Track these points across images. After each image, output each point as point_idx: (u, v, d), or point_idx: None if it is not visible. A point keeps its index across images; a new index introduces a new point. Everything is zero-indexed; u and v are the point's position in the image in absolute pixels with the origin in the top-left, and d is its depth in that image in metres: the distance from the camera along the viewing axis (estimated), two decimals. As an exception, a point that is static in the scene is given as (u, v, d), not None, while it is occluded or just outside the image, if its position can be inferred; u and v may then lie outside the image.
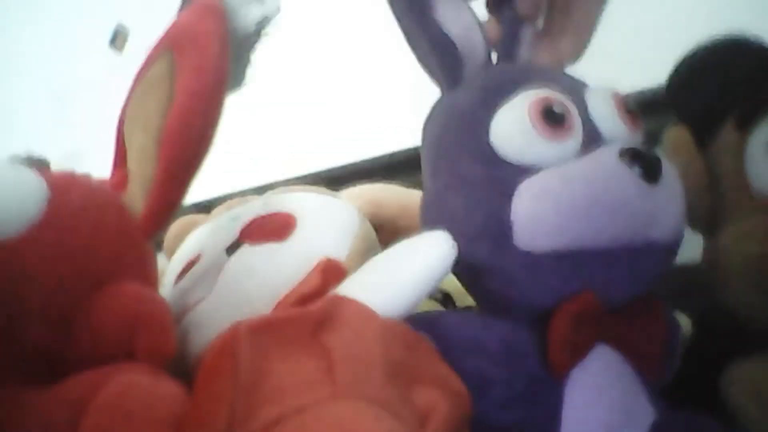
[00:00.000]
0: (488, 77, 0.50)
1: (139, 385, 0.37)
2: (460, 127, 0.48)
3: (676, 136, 0.52)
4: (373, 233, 0.56)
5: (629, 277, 0.45)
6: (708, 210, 0.50)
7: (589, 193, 0.43)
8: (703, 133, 0.51)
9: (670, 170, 0.44)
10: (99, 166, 0.51)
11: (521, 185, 0.44)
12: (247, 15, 1.22)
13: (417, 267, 0.43)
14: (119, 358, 0.40)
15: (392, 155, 0.94)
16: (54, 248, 0.40)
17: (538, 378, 0.44)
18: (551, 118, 0.45)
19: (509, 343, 0.45)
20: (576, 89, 0.48)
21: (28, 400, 0.37)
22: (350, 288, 0.44)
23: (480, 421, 0.42)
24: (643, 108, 0.52)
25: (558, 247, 0.43)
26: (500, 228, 0.44)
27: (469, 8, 0.51)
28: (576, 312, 0.44)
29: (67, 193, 0.42)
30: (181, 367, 0.43)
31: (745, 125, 0.48)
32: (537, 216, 0.43)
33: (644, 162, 0.42)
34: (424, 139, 0.51)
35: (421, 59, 0.52)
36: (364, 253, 0.50)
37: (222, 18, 0.47)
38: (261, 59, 1.19)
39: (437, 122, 0.50)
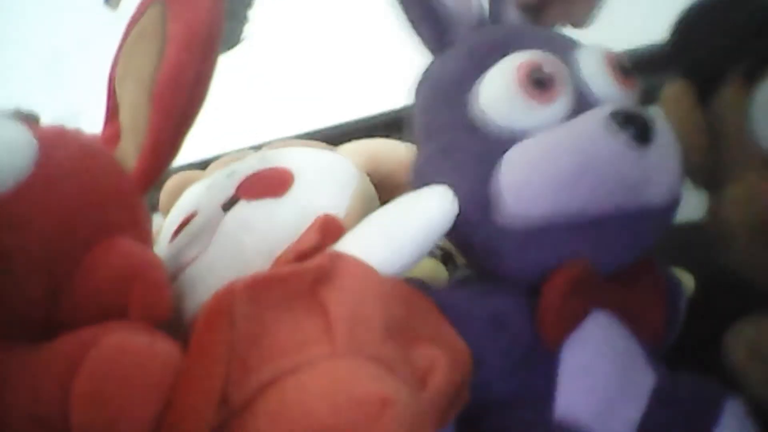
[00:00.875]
0: (476, 40, 0.49)
1: (132, 344, 0.37)
2: (447, 92, 0.48)
3: (675, 91, 0.51)
4: (372, 189, 0.55)
5: (624, 242, 0.44)
6: (710, 167, 0.50)
7: (576, 160, 0.42)
8: (705, 88, 0.51)
9: (663, 130, 0.43)
10: (95, 126, 0.50)
11: (507, 154, 0.43)
12: (245, -29, 1.21)
13: (417, 223, 0.43)
14: (114, 317, 0.39)
15: (391, 112, 0.93)
16: (44, 203, 0.39)
17: (533, 348, 0.43)
18: (538, 82, 0.44)
19: (500, 314, 0.44)
20: (566, 50, 0.47)
21: (19, 359, 0.36)
22: (349, 244, 0.43)
23: (477, 391, 0.42)
24: (642, 65, 0.51)
25: (546, 217, 0.42)
26: (486, 198, 0.43)
27: None
28: (567, 282, 0.43)
29: (57, 148, 0.42)
30: (177, 325, 0.42)
31: (750, 80, 0.47)
32: (523, 186, 0.43)
33: (634, 124, 0.41)
34: (414, 104, 0.51)
35: (412, 24, 0.51)
36: (362, 209, 0.50)
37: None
38: (258, 16, 1.18)
39: (427, 87, 0.50)
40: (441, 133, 0.47)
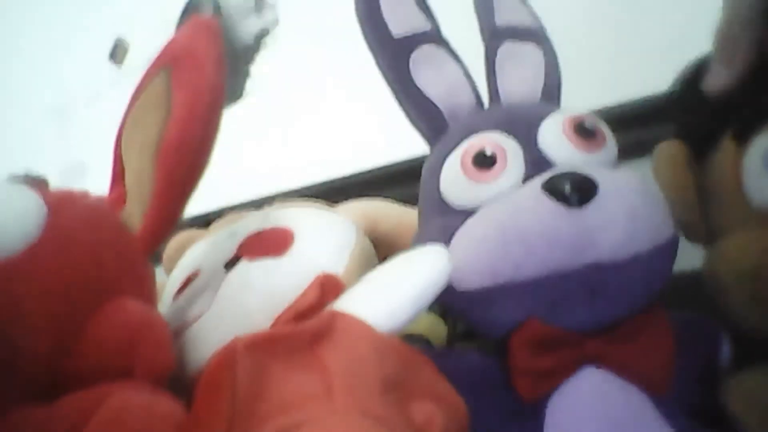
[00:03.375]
0: (450, 131, 0.52)
1: (137, 403, 0.37)
2: (426, 181, 0.51)
3: (666, 150, 0.52)
4: (371, 248, 0.56)
5: (577, 301, 0.44)
6: (704, 223, 0.50)
7: (503, 229, 0.44)
8: (703, 145, 0.51)
9: (610, 187, 0.43)
10: (102, 179, 0.52)
11: (457, 231, 0.46)
12: (246, 27, 1.23)
13: (414, 282, 0.44)
14: (118, 376, 0.40)
15: (388, 167, 0.94)
16: (52, 266, 0.40)
17: (515, 406, 0.45)
18: (480, 162, 0.47)
19: (478, 373, 0.46)
20: (527, 124, 0.49)
21: (27, 418, 0.37)
22: (348, 303, 0.44)
23: None
24: (640, 117, 0.51)
25: (487, 285, 0.44)
26: None
27: (456, 62, 0.54)
28: (525, 340, 0.44)
29: (65, 211, 0.43)
30: (180, 383, 0.43)
31: (743, 137, 0.48)
32: (464, 259, 0.45)
33: (566, 187, 0.42)
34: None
35: (408, 117, 0.54)
36: (361, 268, 0.51)
37: (218, 35, 0.48)
38: (259, 72, 1.20)
39: (421, 176, 0.53)
40: (425, 218, 0.51)
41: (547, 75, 0.55)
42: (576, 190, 0.42)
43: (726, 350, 0.50)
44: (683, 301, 0.49)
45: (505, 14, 0.56)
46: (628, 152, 0.51)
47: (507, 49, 0.55)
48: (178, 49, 0.48)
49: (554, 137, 0.48)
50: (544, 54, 0.56)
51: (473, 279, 0.45)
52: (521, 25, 0.57)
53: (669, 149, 0.52)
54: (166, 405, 0.39)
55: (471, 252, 0.45)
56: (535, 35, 0.57)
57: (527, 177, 0.46)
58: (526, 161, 0.47)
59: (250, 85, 1.21)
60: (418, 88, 0.52)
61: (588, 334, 0.45)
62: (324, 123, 1.09)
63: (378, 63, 0.53)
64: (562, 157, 0.47)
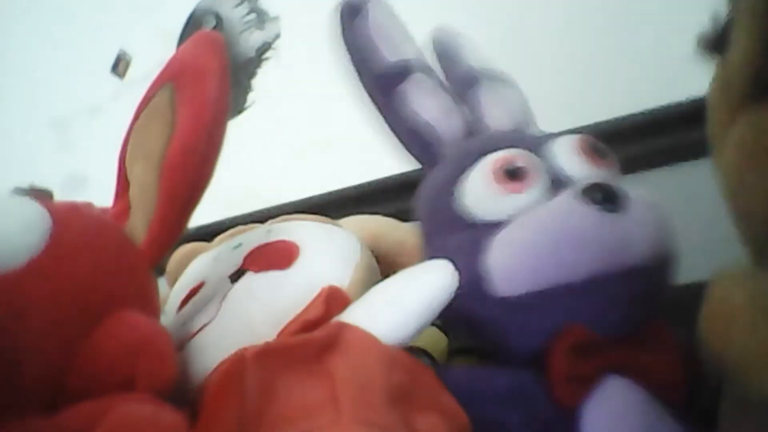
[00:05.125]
0: (458, 150, 0.53)
1: (141, 414, 0.37)
2: (436, 200, 0.52)
3: None
4: (375, 262, 0.56)
5: (614, 305, 0.46)
6: None
7: (551, 233, 0.45)
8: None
9: (638, 198, 0.45)
10: (103, 192, 0.52)
11: (493, 241, 0.46)
12: (248, 41, 1.23)
13: (419, 295, 0.44)
14: (121, 388, 0.40)
15: (386, 180, 0.95)
16: (56, 279, 0.40)
17: (552, 416, 0.45)
18: (511, 174, 0.48)
19: (516, 387, 0.46)
20: (539, 144, 0.50)
21: (31, 430, 0.37)
22: (354, 315, 0.45)
23: None
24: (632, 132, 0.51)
25: (533, 289, 0.45)
26: (477, 283, 0.46)
27: (443, 89, 0.56)
28: (570, 345, 0.45)
29: (69, 223, 0.43)
30: (183, 394, 0.43)
31: None
32: (508, 264, 0.46)
33: (602, 193, 0.44)
34: (416, 214, 0.55)
35: (402, 144, 0.55)
36: (365, 282, 0.51)
37: (222, 51, 0.48)
38: (260, 85, 1.20)
39: (422, 198, 0.54)
40: (435, 238, 0.52)
41: (521, 111, 0.59)
42: (612, 198, 0.44)
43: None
44: (682, 313, 0.49)
45: (473, 60, 0.60)
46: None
47: (486, 88, 0.58)
48: (182, 63, 0.49)
49: (569, 156, 0.49)
50: (515, 92, 0.59)
51: (515, 284, 0.45)
52: (491, 69, 0.60)
53: None
54: (171, 416, 0.39)
55: (514, 258, 0.46)
56: (504, 76, 0.60)
57: (551, 190, 0.47)
58: (548, 176, 0.48)
59: (251, 98, 1.21)
60: (412, 112, 0.54)
61: (614, 341, 0.46)
62: (325, 135, 1.09)
63: (367, 90, 0.55)
64: (578, 173, 0.49)
